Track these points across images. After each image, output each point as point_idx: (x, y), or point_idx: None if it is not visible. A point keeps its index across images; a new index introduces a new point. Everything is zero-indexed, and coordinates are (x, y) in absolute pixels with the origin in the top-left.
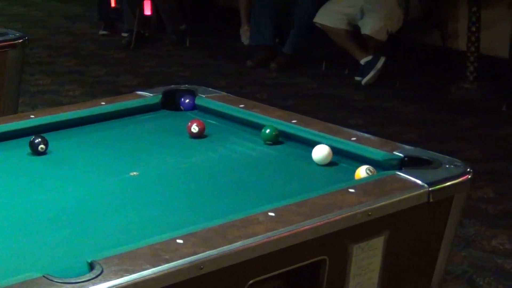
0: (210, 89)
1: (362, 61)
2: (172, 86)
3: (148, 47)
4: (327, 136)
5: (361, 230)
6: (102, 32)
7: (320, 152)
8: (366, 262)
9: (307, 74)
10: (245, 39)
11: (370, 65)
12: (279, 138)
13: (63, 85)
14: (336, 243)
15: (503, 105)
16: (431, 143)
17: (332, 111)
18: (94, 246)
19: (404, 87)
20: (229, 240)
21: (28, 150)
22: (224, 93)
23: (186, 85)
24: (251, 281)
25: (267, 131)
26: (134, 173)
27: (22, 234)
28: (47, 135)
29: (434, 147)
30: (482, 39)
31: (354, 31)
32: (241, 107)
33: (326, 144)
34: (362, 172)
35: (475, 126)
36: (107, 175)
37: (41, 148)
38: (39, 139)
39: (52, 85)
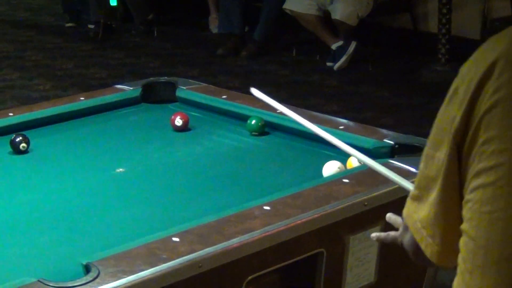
0: (190, 80)
1: (333, 46)
2: (151, 78)
3: (116, 38)
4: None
5: (357, 221)
6: (68, 24)
7: (331, 169)
8: (363, 253)
9: (278, 61)
10: (213, 28)
11: (341, 50)
12: (265, 128)
13: (31, 79)
14: (333, 235)
15: None
16: (407, 128)
17: (306, 98)
18: (87, 247)
19: (376, 71)
20: (226, 236)
21: (9, 149)
22: (205, 84)
23: (165, 77)
24: (249, 277)
25: (253, 122)
26: (120, 169)
27: (9, 236)
28: (27, 133)
29: (411, 131)
30: (453, 21)
31: (324, 17)
32: (224, 98)
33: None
34: (354, 161)
35: None
36: (92, 172)
37: (23, 147)
38: (20, 138)
39: (21, 80)
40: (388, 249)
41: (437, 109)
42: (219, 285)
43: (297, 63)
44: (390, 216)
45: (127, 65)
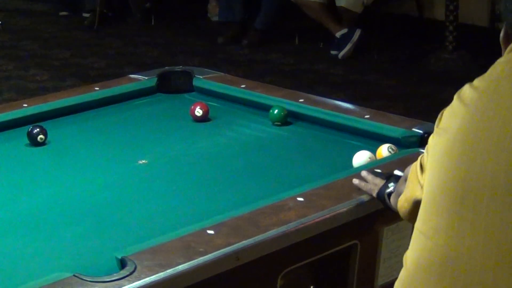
0: (206, 69)
1: (338, 34)
2: (167, 68)
3: (112, 27)
4: (339, 114)
5: (390, 212)
6: (62, 13)
7: (362, 159)
8: (396, 245)
9: (281, 50)
10: (212, 16)
11: (346, 38)
12: (287, 118)
13: (28, 69)
14: (367, 227)
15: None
16: (417, 117)
17: (311, 87)
18: (117, 240)
19: (382, 59)
20: (262, 228)
21: (26, 141)
22: (222, 73)
23: (181, 66)
24: (285, 270)
25: (275, 111)
26: (143, 161)
27: (38, 231)
28: (42, 125)
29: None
30: (461, 7)
31: (328, 4)
32: (243, 88)
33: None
34: (384, 151)
35: None
36: (114, 164)
37: (41, 138)
38: (38, 129)
39: (17, 70)
40: None
41: (446, 98)
42: (256, 278)
43: (300, 52)
44: (366, 175)
45: (126, 54)
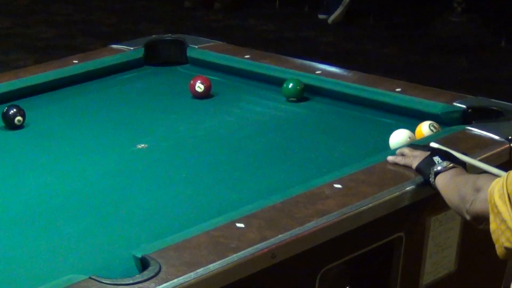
0: (201, 38)
1: None
2: (154, 36)
3: None
4: (365, 88)
5: (438, 200)
6: None
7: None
8: (444, 237)
9: (260, 14)
10: None
11: (336, 0)
12: (304, 93)
13: None
14: (413, 217)
15: (501, 40)
16: None
17: (299, 58)
18: (127, 237)
19: (379, 24)
20: (299, 220)
21: (1, 123)
22: (220, 42)
23: (170, 34)
24: (325, 268)
25: (290, 85)
26: (142, 145)
27: (34, 228)
28: (18, 104)
29: None
30: None
31: None
32: (247, 58)
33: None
34: (425, 129)
35: (473, 67)
36: (109, 149)
37: (18, 120)
38: (14, 110)
39: None
40: (470, 233)
41: (458, 69)
42: (294, 277)
43: (283, 16)
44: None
45: (78, 22)
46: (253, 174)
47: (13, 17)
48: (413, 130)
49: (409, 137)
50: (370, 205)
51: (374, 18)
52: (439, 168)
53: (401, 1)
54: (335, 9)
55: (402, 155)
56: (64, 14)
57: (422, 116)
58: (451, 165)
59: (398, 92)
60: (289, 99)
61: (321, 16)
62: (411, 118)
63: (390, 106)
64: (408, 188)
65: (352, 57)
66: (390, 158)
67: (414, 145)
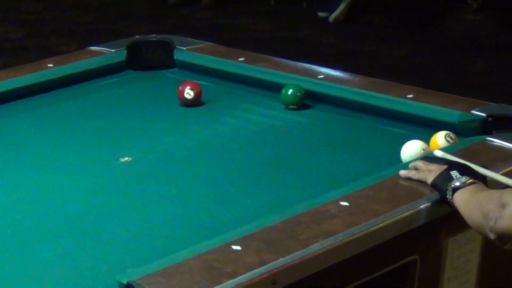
0: (189, 39)
1: None
2: (138, 37)
3: None
4: (373, 94)
5: (456, 219)
6: None
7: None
8: (463, 260)
9: (253, 12)
10: None
11: None
12: (305, 100)
13: None
14: (429, 238)
15: None
16: None
17: (296, 60)
18: (111, 260)
19: (386, 23)
20: (302, 242)
21: None
22: (211, 43)
23: (155, 35)
24: None
25: (290, 91)
26: (126, 158)
27: (10, 251)
28: None
29: None
30: None
31: None
32: (242, 61)
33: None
34: (440, 140)
35: (492, 70)
36: (90, 163)
37: None
38: None
39: None
40: (492, 254)
41: (474, 72)
42: None
43: (278, 14)
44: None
45: (49, 20)
46: (250, 190)
47: None
48: (427, 141)
49: (423, 149)
50: (380, 224)
51: (380, 15)
52: (457, 183)
53: None
54: (337, 6)
55: (416, 169)
56: (34, 11)
57: (437, 126)
58: (471, 180)
59: (410, 98)
60: (289, 106)
61: (321, 14)
62: (424, 128)
63: (402, 114)
64: (422, 206)
65: (356, 60)
66: (402, 172)
67: (429, 158)
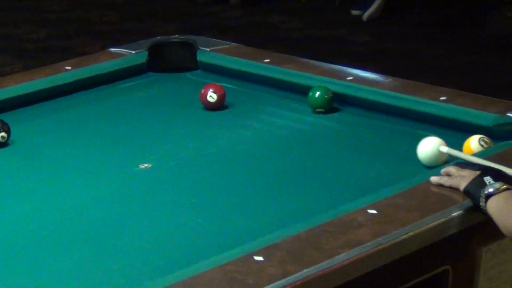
0: (213, 39)
1: None
2: (159, 38)
3: None
4: (404, 96)
5: (490, 227)
6: None
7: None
8: (498, 270)
9: (284, 10)
10: None
11: None
12: (333, 103)
13: None
14: (461, 247)
15: None
16: None
17: (329, 60)
18: (128, 271)
19: (424, 21)
20: (327, 252)
21: None
22: (236, 44)
23: (177, 35)
24: None
25: (317, 94)
26: (146, 165)
27: (23, 261)
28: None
29: None
30: None
31: None
32: (267, 63)
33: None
34: (474, 144)
35: None
36: (107, 170)
37: (2, 137)
38: None
39: None
40: None
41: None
42: None
43: (310, 12)
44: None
45: (73, 20)
46: (274, 198)
47: None
48: (460, 145)
49: (440, 147)
50: (410, 233)
51: (417, 13)
52: (490, 190)
53: None
54: (371, 3)
55: (448, 175)
56: (57, 10)
57: (470, 129)
58: (505, 186)
59: (442, 101)
60: (316, 110)
61: (354, 12)
62: (458, 132)
63: (434, 117)
64: (455, 214)
65: (391, 60)
66: (433, 178)
67: (461, 163)
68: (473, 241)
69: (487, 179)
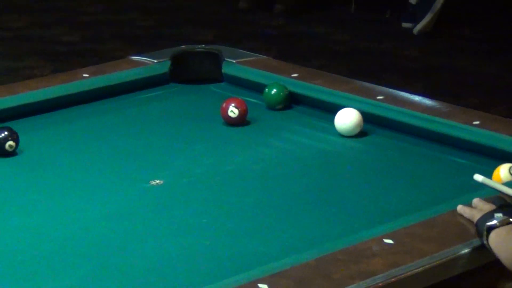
0: (240, 50)
1: (413, 0)
2: (183, 47)
3: None
4: (435, 119)
5: None
6: None
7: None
8: None
9: (330, 20)
10: None
11: (424, 5)
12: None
13: None
14: (482, 284)
15: None
16: None
17: (375, 75)
18: None
19: (477, 36)
20: (336, 282)
21: None
22: (264, 57)
23: (203, 45)
24: None
25: (273, 91)
26: (157, 181)
27: (26, 277)
28: (10, 126)
29: None
30: None
31: None
32: (295, 78)
33: None
34: (503, 173)
35: None
36: (117, 185)
37: (10, 146)
38: (6, 133)
39: None
40: None
41: None
42: None
43: (358, 23)
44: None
45: (108, 23)
46: (287, 222)
47: (28, 16)
48: (489, 172)
49: (475, 175)
50: (426, 266)
51: (471, 28)
52: (493, 222)
53: (506, 8)
54: (423, 16)
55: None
56: (91, 13)
57: (502, 157)
58: (510, 219)
59: (475, 125)
60: (276, 107)
61: (405, 25)
62: (489, 159)
63: (464, 142)
64: (475, 247)
65: (440, 76)
66: (460, 207)
67: (493, 197)
68: (493, 277)
69: (498, 214)
